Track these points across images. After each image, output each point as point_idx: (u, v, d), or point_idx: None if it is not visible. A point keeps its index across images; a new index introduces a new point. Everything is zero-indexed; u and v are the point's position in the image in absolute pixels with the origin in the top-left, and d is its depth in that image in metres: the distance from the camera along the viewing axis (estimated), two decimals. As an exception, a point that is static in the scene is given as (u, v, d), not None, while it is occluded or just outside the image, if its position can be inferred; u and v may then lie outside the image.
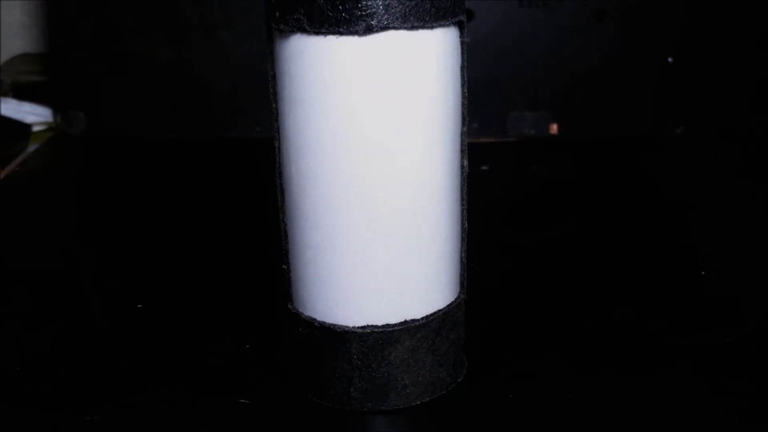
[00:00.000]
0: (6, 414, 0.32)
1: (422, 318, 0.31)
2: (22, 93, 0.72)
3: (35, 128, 0.70)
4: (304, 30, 0.28)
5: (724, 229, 0.48)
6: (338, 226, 0.30)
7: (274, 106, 0.31)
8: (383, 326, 0.30)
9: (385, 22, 0.27)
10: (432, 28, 0.28)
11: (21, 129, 0.68)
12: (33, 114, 0.71)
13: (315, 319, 0.31)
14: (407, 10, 0.27)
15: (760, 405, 0.31)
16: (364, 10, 0.27)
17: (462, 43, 0.30)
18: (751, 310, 0.38)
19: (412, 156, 0.29)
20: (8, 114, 0.69)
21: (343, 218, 0.29)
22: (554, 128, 0.64)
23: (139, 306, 0.40)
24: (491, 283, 0.42)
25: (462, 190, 0.32)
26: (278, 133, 0.31)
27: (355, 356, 0.30)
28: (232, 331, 0.38)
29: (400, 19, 0.27)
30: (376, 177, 0.29)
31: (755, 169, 0.58)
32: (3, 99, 0.70)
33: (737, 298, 0.40)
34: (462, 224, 0.32)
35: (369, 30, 0.27)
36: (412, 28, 0.28)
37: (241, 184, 0.57)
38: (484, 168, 0.59)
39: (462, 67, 0.30)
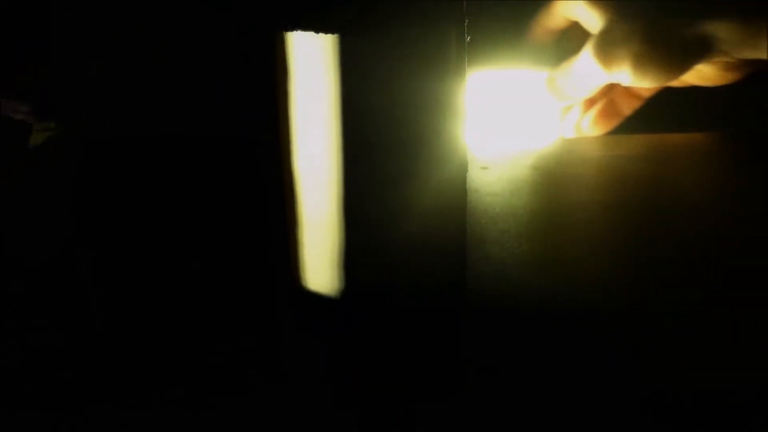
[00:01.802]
0: (6, 414, 0.32)
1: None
2: (22, 93, 0.72)
3: (35, 128, 0.70)
4: (304, 29, 0.28)
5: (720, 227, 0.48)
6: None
7: (273, 105, 0.31)
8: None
9: (386, 22, 0.27)
10: (432, 26, 0.28)
11: (21, 129, 0.68)
12: (32, 114, 0.71)
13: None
14: (407, 10, 0.28)
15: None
16: (365, 10, 0.27)
17: (463, 43, 0.30)
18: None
19: (413, 154, 0.29)
20: (8, 114, 0.69)
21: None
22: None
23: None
24: (491, 282, 0.42)
25: (462, 189, 0.32)
26: (278, 132, 0.31)
27: None
28: (232, 331, 0.38)
29: (400, 19, 0.27)
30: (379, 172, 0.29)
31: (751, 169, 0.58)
32: (3, 99, 0.70)
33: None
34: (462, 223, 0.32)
35: (370, 29, 0.27)
36: (411, 26, 0.28)
37: (240, 184, 0.57)
38: (484, 168, 0.59)
39: (463, 66, 0.30)
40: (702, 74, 0.54)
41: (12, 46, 0.72)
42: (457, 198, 0.31)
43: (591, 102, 0.59)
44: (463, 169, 0.32)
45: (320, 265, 0.32)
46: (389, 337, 0.32)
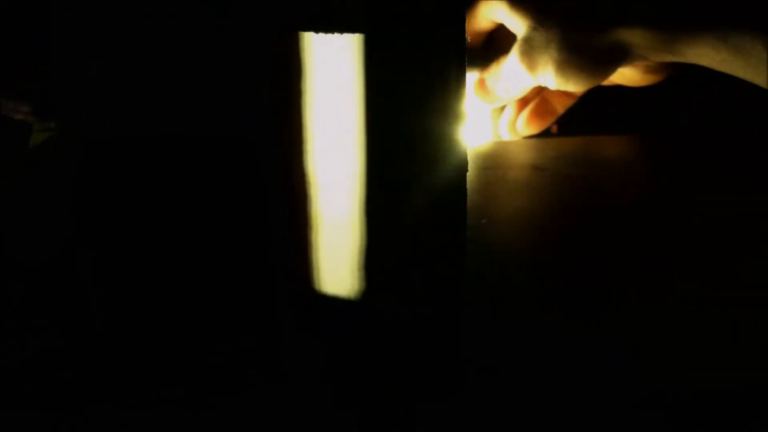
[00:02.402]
0: (6, 414, 0.32)
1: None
2: (22, 93, 0.72)
3: (35, 128, 0.70)
4: (305, 30, 0.28)
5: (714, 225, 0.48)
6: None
7: (273, 106, 0.31)
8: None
9: (387, 23, 0.27)
10: (432, 26, 0.28)
11: (21, 129, 0.68)
12: (32, 114, 0.71)
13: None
14: (408, 11, 0.28)
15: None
16: (369, 12, 0.27)
17: (463, 44, 0.30)
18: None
19: (413, 155, 0.29)
20: (8, 114, 0.69)
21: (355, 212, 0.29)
22: (554, 128, 0.64)
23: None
24: (491, 282, 0.42)
25: (462, 189, 0.32)
26: (278, 133, 0.31)
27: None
28: (232, 331, 0.38)
29: (401, 20, 0.28)
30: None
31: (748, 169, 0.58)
32: (3, 99, 0.70)
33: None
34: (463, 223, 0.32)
35: (372, 29, 0.27)
36: (412, 28, 0.28)
37: (240, 185, 0.57)
38: (484, 169, 0.59)
39: (463, 68, 0.30)
40: (625, 76, 0.55)
41: (12, 46, 0.72)
42: (457, 198, 0.31)
43: (524, 101, 0.59)
44: (463, 169, 0.32)
45: (320, 265, 0.32)
46: (389, 337, 0.32)
